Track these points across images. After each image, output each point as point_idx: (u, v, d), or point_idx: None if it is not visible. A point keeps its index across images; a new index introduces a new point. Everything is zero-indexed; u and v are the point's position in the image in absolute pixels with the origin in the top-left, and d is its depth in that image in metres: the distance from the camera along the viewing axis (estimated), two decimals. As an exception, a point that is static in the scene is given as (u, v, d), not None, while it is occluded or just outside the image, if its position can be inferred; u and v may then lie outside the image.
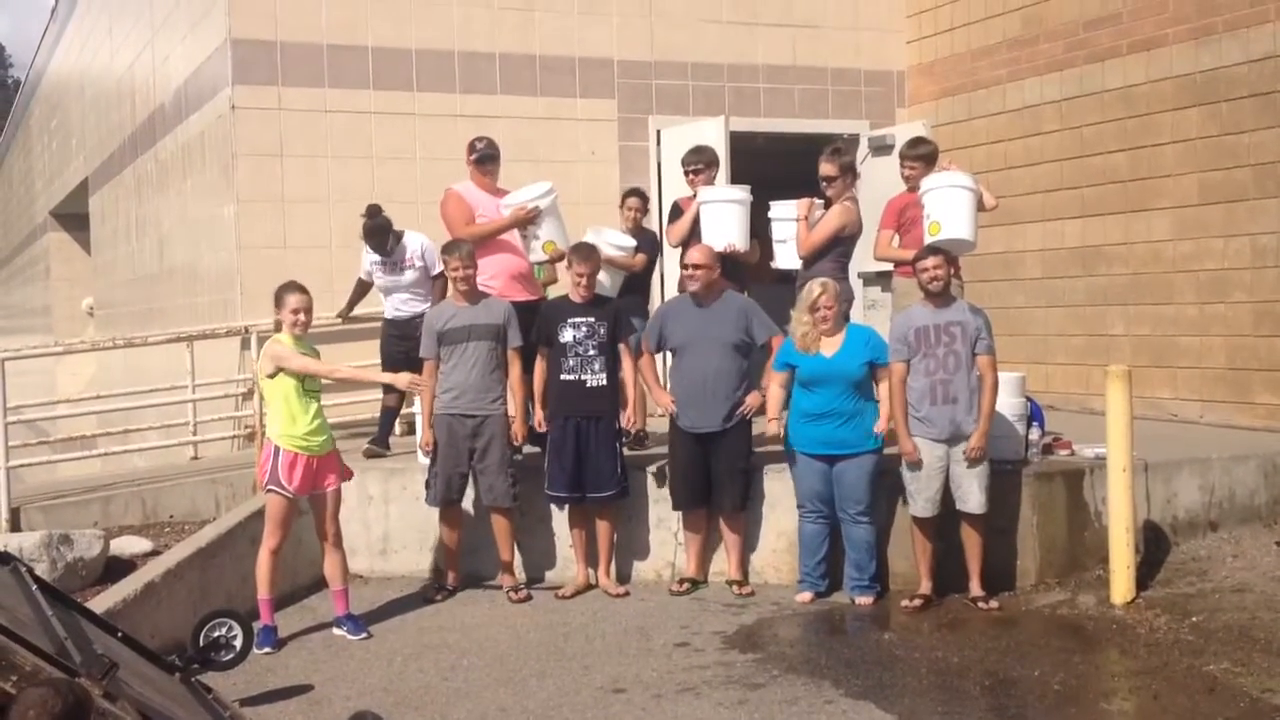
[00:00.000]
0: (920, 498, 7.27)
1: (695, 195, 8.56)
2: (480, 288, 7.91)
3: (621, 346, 7.74)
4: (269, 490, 6.90)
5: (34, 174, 27.14)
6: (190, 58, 11.86)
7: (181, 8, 12.23)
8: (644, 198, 9.10)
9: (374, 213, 8.84)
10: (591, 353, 7.64)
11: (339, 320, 9.65)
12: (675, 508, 7.91)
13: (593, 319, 7.66)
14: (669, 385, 7.96)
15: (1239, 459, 8.30)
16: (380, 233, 8.81)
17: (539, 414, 7.75)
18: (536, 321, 7.78)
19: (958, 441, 7.18)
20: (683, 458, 7.76)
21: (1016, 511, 7.58)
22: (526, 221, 8.10)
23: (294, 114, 10.40)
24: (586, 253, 7.81)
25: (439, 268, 8.67)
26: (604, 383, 7.67)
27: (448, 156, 10.32)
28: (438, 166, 10.33)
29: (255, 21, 10.34)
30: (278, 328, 7.15)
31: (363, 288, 9.38)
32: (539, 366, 7.75)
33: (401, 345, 8.75)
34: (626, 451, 8.10)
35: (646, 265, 8.96)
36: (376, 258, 8.94)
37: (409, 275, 8.85)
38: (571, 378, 7.65)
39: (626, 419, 7.74)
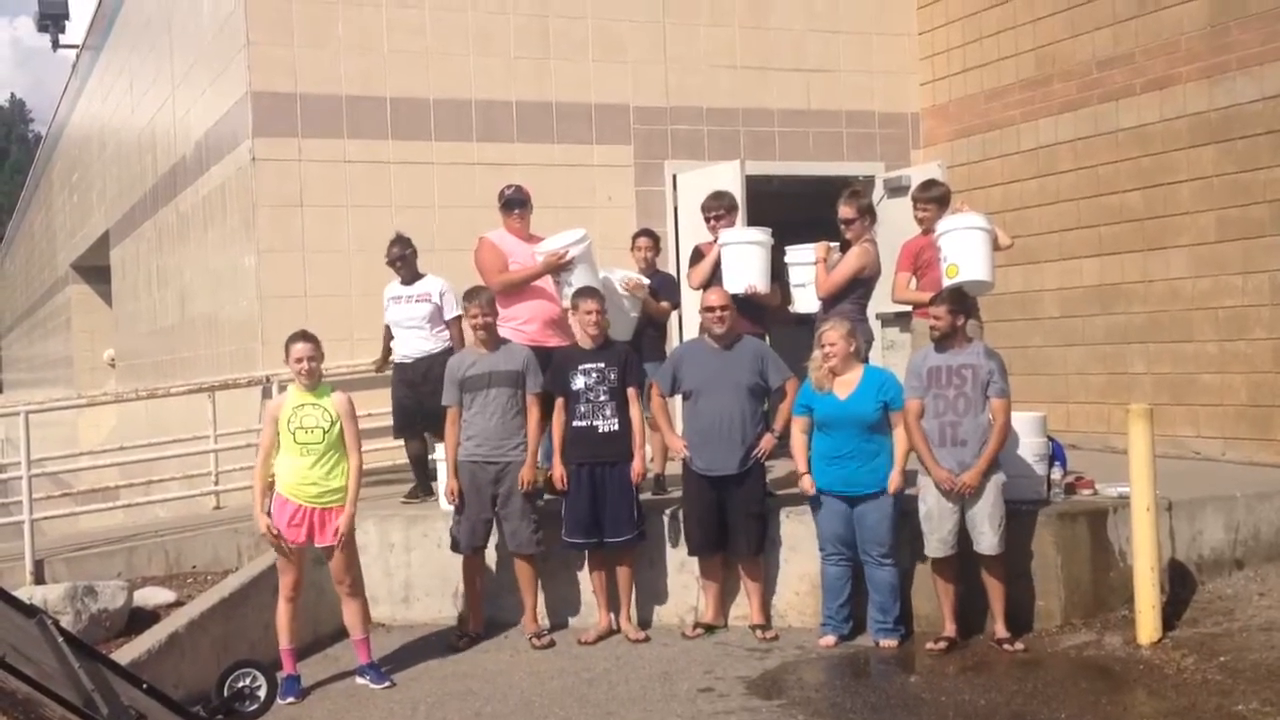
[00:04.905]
0: (933, 538, 7.24)
1: (716, 239, 8.60)
2: (514, 332, 7.98)
3: (630, 392, 7.73)
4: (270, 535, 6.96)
5: (55, 227, 27.39)
6: (211, 110, 11.99)
7: (202, 62, 12.38)
8: (654, 237, 9.12)
9: (401, 236, 9.15)
10: (602, 398, 7.64)
11: (374, 370, 9.68)
12: (690, 553, 7.89)
13: (602, 364, 7.67)
14: (683, 429, 7.96)
15: (1263, 496, 8.25)
16: (404, 244, 9.03)
17: (557, 469, 7.73)
18: (549, 371, 7.79)
19: (969, 484, 7.17)
20: (697, 502, 7.74)
21: (1040, 552, 7.53)
22: (560, 268, 8.14)
23: (314, 164, 10.50)
24: (589, 292, 7.81)
25: (455, 310, 8.80)
26: (616, 428, 7.66)
27: (466, 204, 10.43)
28: (456, 214, 10.42)
29: (275, 74, 10.46)
30: None
31: (391, 335, 9.44)
32: (557, 417, 7.74)
33: (410, 391, 8.87)
34: (648, 496, 8.09)
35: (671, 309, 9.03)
36: (394, 293, 9.04)
37: (423, 308, 8.92)
38: (583, 424, 7.65)
39: (635, 471, 7.70)
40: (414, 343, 8.96)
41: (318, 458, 6.93)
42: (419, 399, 8.79)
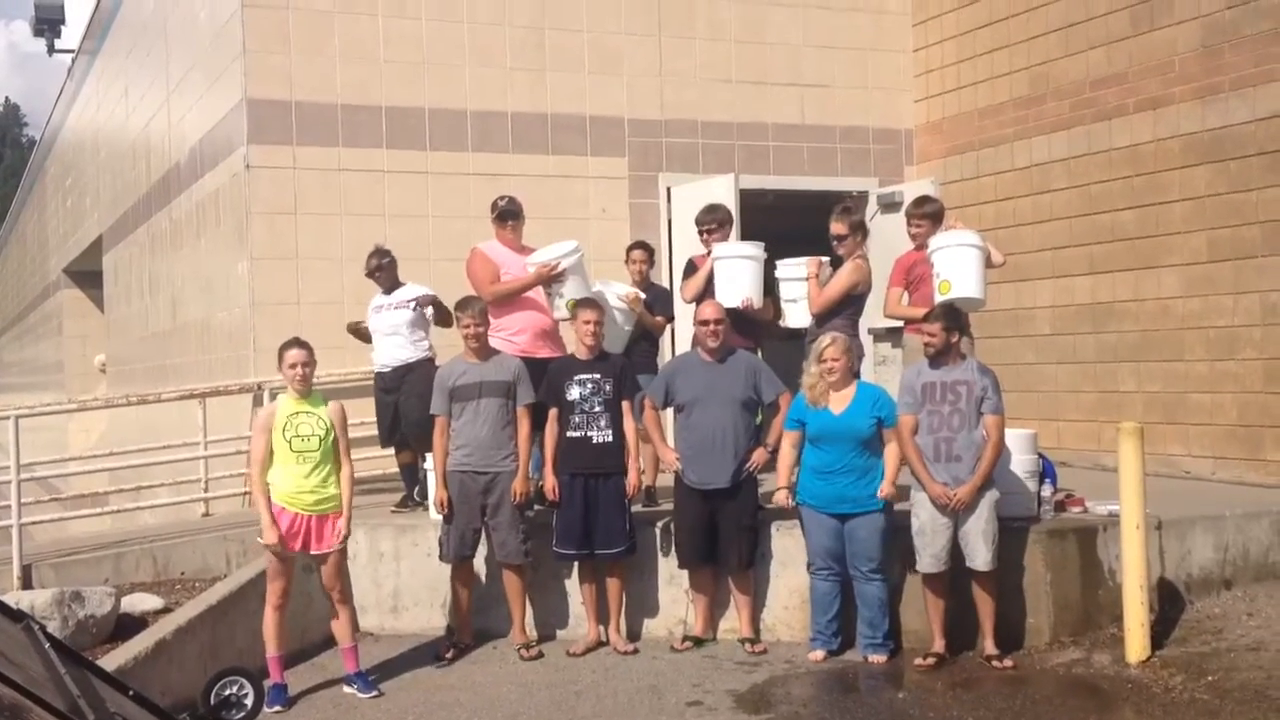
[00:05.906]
0: (926, 553, 7.25)
1: (710, 253, 8.61)
2: (505, 342, 7.98)
3: (625, 405, 7.73)
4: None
5: (48, 231, 27.35)
6: (206, 117, 11.99)
7: (197, 68, 12.39)
8: (649, 250, 9.13)
9: (379, 248, 9.13)
10: (597, 409, 7.63)
11: (349, 331, 9.57)
12: (681, 566, 7.88)
13: (598, 375, 7.67)
14: (676, 442, 7.95)
15: (1252, 516, 8.26)
16: (381, 254, 9.03)
17: (549, 480, 7.73)
18: (544, 381, 7.78)
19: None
20: (689, 515, 7.73)
21: (1030, 569, 7.54)
22: (551, 279, 8.15)
23: (308, 172, 10.50)
24: (589, 303, 7.84)
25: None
26: (610, 439, 7.66)
27: (460, 214, 10.44)
28: (450, 224, 10.43)
29: (270, 82, 10.47)
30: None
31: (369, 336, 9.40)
32: (549, 427, 7.74)
33: (388, 398, 8.90)
34: (638, 508, 8.09)
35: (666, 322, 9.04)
36: (376, 303, 9.07)
37: (402, 315, 8.93)
38: (578, 434, 7.64)
39: (630, 484, 7.69)
40: (392, 351, 8.97)
41: (314, 466, 6.91)
42: (396, 404, 8.85)
